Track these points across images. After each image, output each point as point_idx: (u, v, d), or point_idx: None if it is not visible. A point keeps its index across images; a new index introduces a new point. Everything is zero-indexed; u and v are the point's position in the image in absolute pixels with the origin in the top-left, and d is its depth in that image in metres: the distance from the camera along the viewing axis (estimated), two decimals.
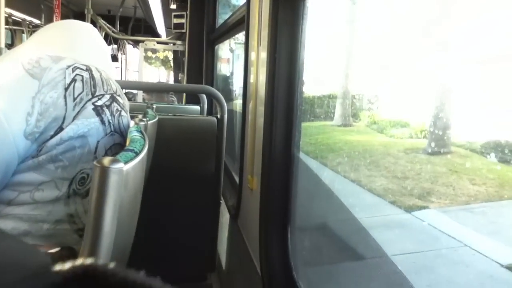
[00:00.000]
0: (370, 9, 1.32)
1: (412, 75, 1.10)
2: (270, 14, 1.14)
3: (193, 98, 3.00)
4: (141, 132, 0.84)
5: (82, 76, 0.82)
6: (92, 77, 0.84)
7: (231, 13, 2.57)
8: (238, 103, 2.90)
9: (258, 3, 1.29)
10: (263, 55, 1.22)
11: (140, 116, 0.96)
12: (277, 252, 1.19)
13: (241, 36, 2.52)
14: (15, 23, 5.94)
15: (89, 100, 0.82)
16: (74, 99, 0.79)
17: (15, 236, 0.40)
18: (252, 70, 1.35)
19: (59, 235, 0.79)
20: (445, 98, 1.01)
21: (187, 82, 3.38)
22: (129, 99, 1.01)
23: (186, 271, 1.67)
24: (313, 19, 1.21)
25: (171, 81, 7.97)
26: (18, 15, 5.57)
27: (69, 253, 0.72)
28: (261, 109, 1.24)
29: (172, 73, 7.59)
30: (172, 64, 7.50)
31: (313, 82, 1.48)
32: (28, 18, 5.87)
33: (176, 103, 4.25)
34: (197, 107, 2.49)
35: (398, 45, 1.16)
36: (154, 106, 1.42)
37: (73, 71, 0.81)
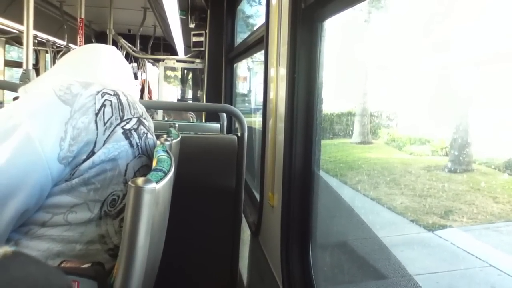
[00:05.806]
0: (386, 26, 1.33)
1: (432, 93, 1.11)
2: (289, 35, 1.17)
3: (212, 115, 3.05)
4: (167, 151, 0.87)
5: (111, 101, 0.85)
6: (120, 101, 0.87)
7: (249, 32, 2.62)
8: (256, 120, 2.93)
9: (277, 24, 1.32)
10: (282, 73, 1.25)
11: (165, 136, 0.99)
12: (298, 269, 1.20)
13: (258, 55, 2.57)
14: (39, 43, 6.17)
15: (118, 124, 0.85)
16: (105, 123, 0.82)
17: (40, 260, 0.42)
18: (272, 87, 1.38)
19: (91, 255, 0.81)
20: (466, 114, 1.01)
21: (207, 100, 3.43)
22: (150, 115, 1.05)
23: (207, 286, 1.68)
24: (331, 38, 1.23)
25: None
26: (42, 36, 5.79)
27: (100, 269, 0.74)
28: (281, 126, 1.26)
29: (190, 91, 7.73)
30: (190, 83, 7.64)
31: (331, 100, 1.49)
32: (52, 38, 6.09)
33: (195, 119, 4.32)
34: (217, 125, 2.53)
35: (416, 62, 1.17)
36: (177, 125, 1.46)
37: (102, 97, 0.84)
